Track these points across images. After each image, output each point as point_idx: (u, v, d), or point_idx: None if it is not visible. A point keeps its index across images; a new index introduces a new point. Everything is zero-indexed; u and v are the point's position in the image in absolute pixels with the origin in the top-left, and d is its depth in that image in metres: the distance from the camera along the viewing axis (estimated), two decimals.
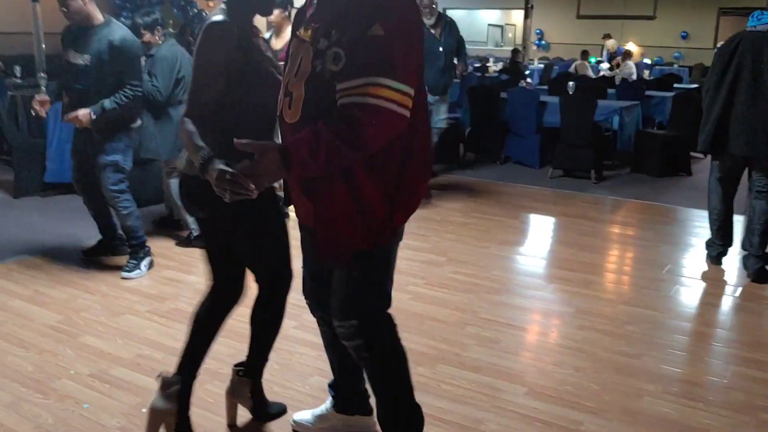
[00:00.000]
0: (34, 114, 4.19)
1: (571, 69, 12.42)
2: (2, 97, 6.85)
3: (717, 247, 4.54)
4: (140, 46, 4.08)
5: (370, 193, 1.93)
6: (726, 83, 4.17)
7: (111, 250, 4.42)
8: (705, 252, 4.63)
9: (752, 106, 4.09)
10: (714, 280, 4.36)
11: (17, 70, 9.03)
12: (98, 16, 3.90)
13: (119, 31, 3.89)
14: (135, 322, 3.49)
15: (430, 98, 6.06)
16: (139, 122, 4.17)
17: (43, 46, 9.76)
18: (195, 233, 4.53)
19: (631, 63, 12.42)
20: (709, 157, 4.55)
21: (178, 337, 3.30)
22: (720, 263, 4.56)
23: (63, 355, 3.12)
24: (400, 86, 1.76)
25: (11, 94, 6.99)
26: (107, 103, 3.81)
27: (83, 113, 3.77)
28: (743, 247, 4.48)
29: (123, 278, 4.05)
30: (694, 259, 4.72)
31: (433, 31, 6.34)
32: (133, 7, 14.45)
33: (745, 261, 4.36)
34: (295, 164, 1.76)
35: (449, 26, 6.51)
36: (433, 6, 6.34)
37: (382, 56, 1.76)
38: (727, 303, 4.07)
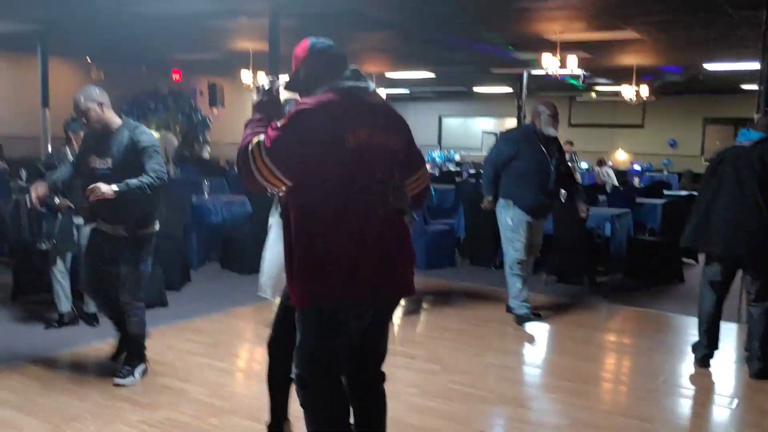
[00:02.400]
0: (29, 205, 4.37)
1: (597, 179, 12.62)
2: (6, 200, 6.98)
3: (703, 350, 4.62)
4: (157, 141, 4.17)
5: (293, 256, 2.40)
6: (710, 190, 4.47)
7: None
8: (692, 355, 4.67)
9: (733, 211, 4.35)
10: (710, 391, 4.34)
11: (22, 173, 9.24)
12: (116, 120, 4.02)
13: (142, 129, 4.03)
14: None
15: (529, 218, 5.44)
16: (157, 227, 4.13)
17: (50, 149, 10.07)
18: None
19: (607, 169, 12.72)
20: (701, 263, 4.68)
21: None
22: (707, 366, 4.60)
23: None
24: (269, 163, 2.28)
25: (15, 198, 7.12)
26: (132, 181, 3.83)
27: (106, 187, 3.78)
28: (746, 348, 4.57)
29: (116, 384, 4.01)
30: (689, 369, 4.70)
31: (546, 147, 5.46)
32: (139, 114, 15.02)
33: (748, 361, 4.51)
34: None
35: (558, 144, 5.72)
36: (557, 116, 5.51)
37: (271, 135, 2.32)
38: (724, 415, 4.03)
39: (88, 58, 13.96)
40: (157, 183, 3.89)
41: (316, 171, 2.33)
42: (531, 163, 5.39)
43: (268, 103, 2.50)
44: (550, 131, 5.43)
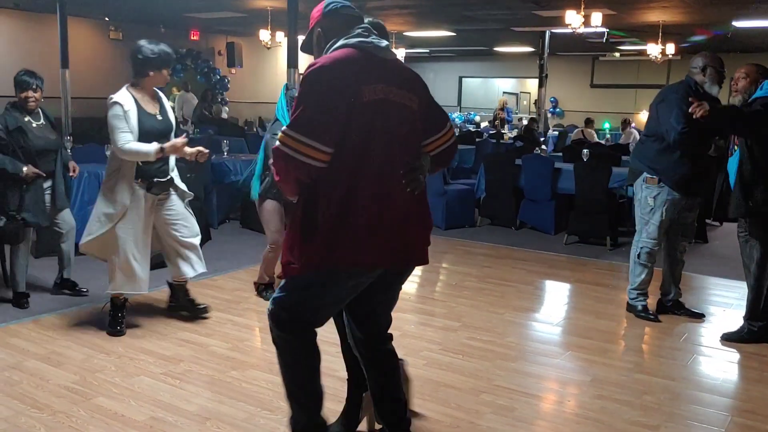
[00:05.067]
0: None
1: (573, 135, 12.56)
2: None
3: None
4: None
5: (305, 221, 2.33)
6: None
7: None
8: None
9: None
10: (733, 350, 4.30)
11: None
12: None
13: None
14: (149, 383, 3.49)
15: (679, 197, 4.55)
16: None
17: (70, 109, 10.11)
18: None
19: (632, 129, 12.60)
20: (725, 226, 4.56)
21: (191, 399, 3.30)
22: None
23: (76, 416, 3.12)
24: (300, 137, 2.20)
25: None
26: None
27: None
28: None
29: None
30: (711, 328, 4.67)
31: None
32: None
33: None
34: None
35: None
36: (745, 78, 4.38)
37: (293, 113, 2.28)
38: (747, 374, 4.00)
39: (106, 18, 13.90)
40: None
41: (339, 127, 2.23)
42: (699, 127, 4.33)
43: None
44: (714, 91, 4.51)
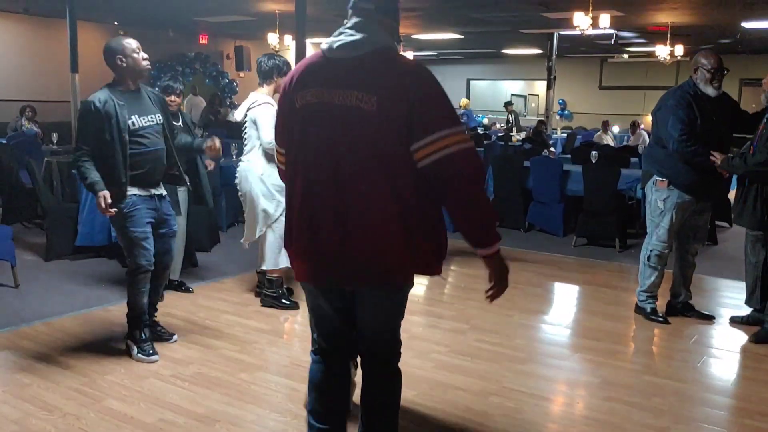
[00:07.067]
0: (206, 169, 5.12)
1: (595, 138, 12.67)
2: (39, 162, 7.08)
3: None
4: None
5: None
6: None
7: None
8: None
9: None
10: (744, 352, 4.28)
11: (54, 136, 9.40)
12: None
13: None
14: (158, 386, 3.50)
15: (689, 199, 4.49)
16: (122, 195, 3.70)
17: None
18: None
19: (641, 131, 12.61)
20: (734, 227, 4.57)
21: (200, 401, 3.31)
22: None
23: (86, 418, 3.14)
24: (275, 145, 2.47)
25: (47, 159, 7.23)
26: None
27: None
28: None
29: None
30: (721, 330, 4.64)
31: (713, 110, 4.40)
32: (169, 76, 15.02)
33: None
34: None
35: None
36: (721, 72, 4.40)
37: None
38: (758, 376, 3.97)
39: (115, 22, 13.99)
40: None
41: (282, 135, 2.39)
42: (697, 133, 4.34)
43: None
44: (708, 91, 4.40)
